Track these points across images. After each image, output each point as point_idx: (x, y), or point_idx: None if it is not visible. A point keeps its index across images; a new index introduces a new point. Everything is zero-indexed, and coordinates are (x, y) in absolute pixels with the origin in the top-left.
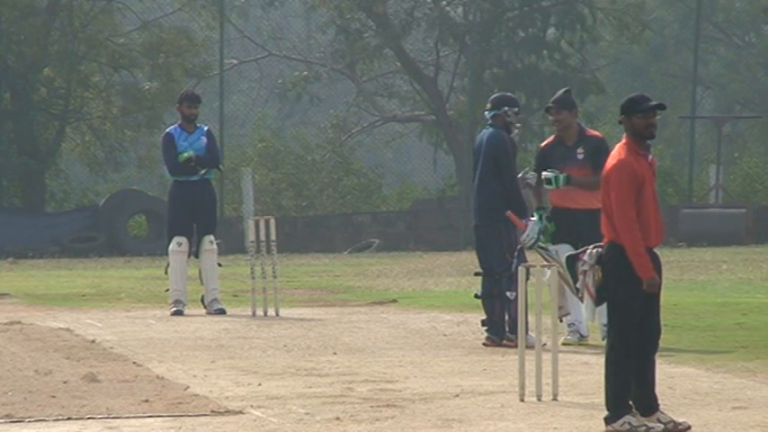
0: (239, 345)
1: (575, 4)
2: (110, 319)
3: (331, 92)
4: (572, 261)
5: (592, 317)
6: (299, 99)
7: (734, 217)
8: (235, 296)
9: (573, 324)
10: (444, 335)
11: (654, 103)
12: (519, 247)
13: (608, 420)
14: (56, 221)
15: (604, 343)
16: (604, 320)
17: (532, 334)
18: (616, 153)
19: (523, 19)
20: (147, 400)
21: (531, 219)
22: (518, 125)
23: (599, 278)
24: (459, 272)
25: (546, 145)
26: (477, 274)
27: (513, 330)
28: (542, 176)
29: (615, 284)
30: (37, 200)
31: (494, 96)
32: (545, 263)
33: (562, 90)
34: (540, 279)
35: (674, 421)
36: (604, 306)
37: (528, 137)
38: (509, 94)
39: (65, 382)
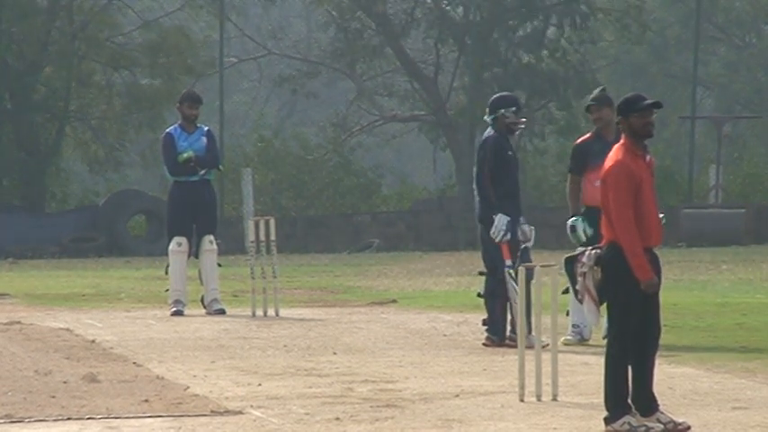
0: (239, 345)
1: (574, 4)
2: (110, 319)
3: (331, 91)
4: (570, 263)
5: (596, 321)
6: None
7: (734, 217)
8: (235, 296)
9: (577, 326)
10: (444, 335)
11: (650, 101)
12: (523, 246)
13: (608, 420)
14: (56, 221)
15: (605, 342)
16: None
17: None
18: (613, 154)
19: (523, 18)
20: (146, 401)
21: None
22: (522, 121)
23: (598, 279)
24: (460, 272)
25: (583, 141)
26: (480, 273)
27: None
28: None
29: (615, 284)
30: (37, 200)
31: (490, 100)
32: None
33: (599, 89)
34: (539, 279)
35: (673, 421)
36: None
37: (528, 137)
38: (505, 93)
39: (65, 383)
